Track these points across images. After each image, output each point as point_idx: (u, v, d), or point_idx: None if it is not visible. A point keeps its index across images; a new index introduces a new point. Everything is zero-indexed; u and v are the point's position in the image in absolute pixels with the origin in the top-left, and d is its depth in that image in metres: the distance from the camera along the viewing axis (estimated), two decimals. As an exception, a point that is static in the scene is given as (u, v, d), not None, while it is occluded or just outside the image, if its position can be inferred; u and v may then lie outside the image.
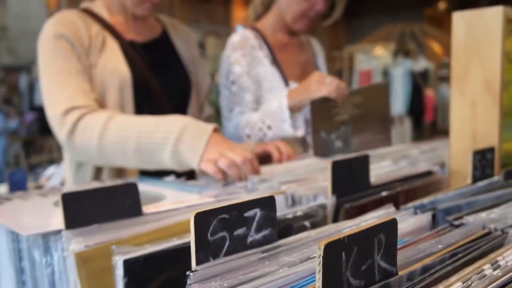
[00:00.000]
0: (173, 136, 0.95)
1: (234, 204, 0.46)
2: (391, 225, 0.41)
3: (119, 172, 1.15)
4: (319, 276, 0.34)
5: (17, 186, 1.84)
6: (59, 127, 1.06)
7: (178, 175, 1.00)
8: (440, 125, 7.49)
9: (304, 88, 1.23)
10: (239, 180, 0.88)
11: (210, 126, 0.96)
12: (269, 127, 1.32)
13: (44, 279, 0.58)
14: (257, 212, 0.48)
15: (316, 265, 0.35)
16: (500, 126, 0.89)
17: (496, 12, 0.86)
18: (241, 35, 1.49)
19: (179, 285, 0.52)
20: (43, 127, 6.06)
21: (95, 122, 1.02)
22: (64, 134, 1.05)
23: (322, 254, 0.34)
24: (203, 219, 0.44)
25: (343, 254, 0.36)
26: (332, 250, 0.35)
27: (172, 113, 1.06)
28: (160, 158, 0.97)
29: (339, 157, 0.83)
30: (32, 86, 6.45)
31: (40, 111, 6.29)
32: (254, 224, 0.48)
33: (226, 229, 0.46)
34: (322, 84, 1.19)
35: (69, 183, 1.23)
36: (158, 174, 1.00)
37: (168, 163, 0.97)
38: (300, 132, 1.31)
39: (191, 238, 0.44)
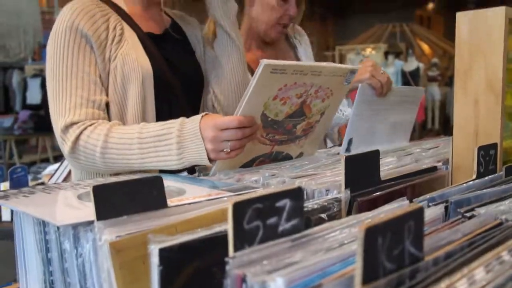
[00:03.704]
0: (174, 146, 0.99)
1: (267, 194, 0.49)
2: (419, 213, 0.44)
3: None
4: (359, 258, 0.37)
5: (19, 183, 1.85)
6: (61, 143, 1.09)
7: (190, 171, 1.03)
8: (430, 125, 7.57)
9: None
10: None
11: (197, 118, 1.00)
12: None
13: (74, 269, 0.60)
14: (287, 203, 0.50)
15: (357, 248, 0.37)
16: (502, 124, 0.92)
17: (498, 12, 0.89)
18: None
19: (209, 274, 0.54)
20: (37, 126, 6.01)
21: (94, 140, 1.04)
22: (66, 151, 1.07)
23: (363, 237, 0.37)
24: (240, 208, 0.46)
25: (379, 238, 0.39)
26: (371, 234, 0.38)
27: (187, 108, 1.09)
28: (170, 167, 1.02)
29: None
30: (26, 85, 6.37)
31: (34, 109, 6.24)
32: (285, 214, 0.50)
33: (260, 218, 0.48)
34: (376, 71, 1.23)
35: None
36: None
37: (180, 168, 1.02)
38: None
39: (228, 226, 0.46)
